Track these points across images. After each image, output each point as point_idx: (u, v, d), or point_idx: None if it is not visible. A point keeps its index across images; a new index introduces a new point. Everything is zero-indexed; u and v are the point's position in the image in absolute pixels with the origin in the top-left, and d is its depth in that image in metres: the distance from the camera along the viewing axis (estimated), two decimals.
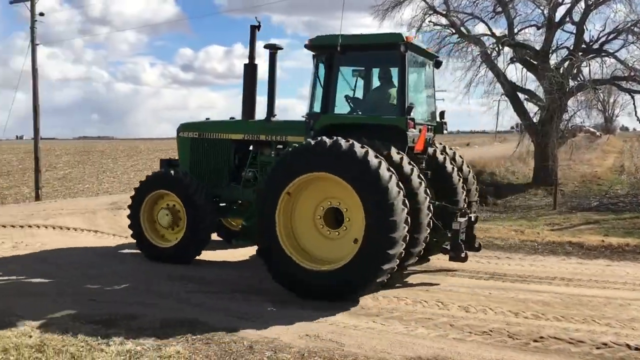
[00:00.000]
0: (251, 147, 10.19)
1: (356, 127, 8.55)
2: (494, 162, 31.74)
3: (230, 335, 6.32)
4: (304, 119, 9.11)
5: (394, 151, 8.08)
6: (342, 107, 9.21)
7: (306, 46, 9.09)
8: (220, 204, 10.36)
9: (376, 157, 7.56)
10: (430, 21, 27.65)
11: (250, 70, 10.34)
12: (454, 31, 27.56)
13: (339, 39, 8.48)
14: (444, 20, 27.66)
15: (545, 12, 26.37)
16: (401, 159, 8.06)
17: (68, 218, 13.91)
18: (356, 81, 9.61)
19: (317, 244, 8.01)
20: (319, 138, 7.82)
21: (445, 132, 9.84)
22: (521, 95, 27.55)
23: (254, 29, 10.22)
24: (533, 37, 27.84)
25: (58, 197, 28.03)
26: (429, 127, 9.42)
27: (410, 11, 29.20)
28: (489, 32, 27.73)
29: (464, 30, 27.45)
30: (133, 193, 10.26)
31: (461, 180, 9.87)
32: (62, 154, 54.04)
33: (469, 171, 10.53)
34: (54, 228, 12.86)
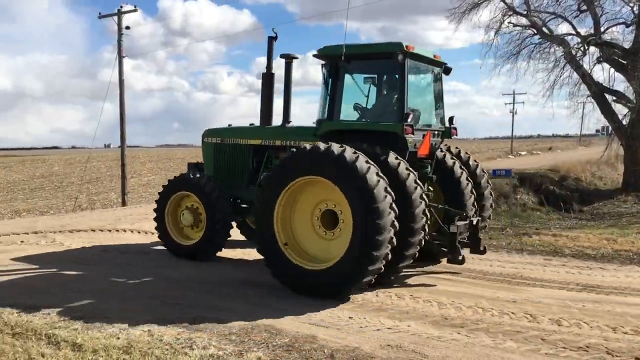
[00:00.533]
0: (266, 152, 10.50)
1: (360, 133, 8.90)
2: (579, 167, 30.23)
3: (310, 342, 6.24)
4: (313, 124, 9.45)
5: (379, 150, 8.37)
6: (352, 114, 9.54)
7: (315, 56, 9.42)
8: (242, 205, 10.87)
9: (354, 153, 7.84)
10: (509, 22, 26.75)
11: (267, 79, 10.71)
12: (535, 32, 26.51)
13: (343, 49, 8.81)
14: (524, 21, 26.66)
15: (635, 9, 24.92)
16: (393, 158, 8.36)
17: (153, 223, 14.35)
18: (369, 88, 9.81)
19: (315, 244, 8.40)
20: (302, 145, 8.37)
21: (454, 137, 9.92)
22: (609, 97, 26.12)
23: (271, 40, 10.54)
24: (621, 35, 26.37)
25: (143, 202, 29.15)
26: (436, 132, 9.65)
27: (489, 13, 28.35)
28: (573, 32, 26.50)
29: (546, 31, 26.36)
30: (159, 195, 10.98)
31: (470, 184, 10.15)
32: (146, 161, 56.45)
33: (483, 175, 10.84)
34: (139, 232, 13.32)
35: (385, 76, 9.67)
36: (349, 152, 7.82)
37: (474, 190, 10.20)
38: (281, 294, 8.25)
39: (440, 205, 9.56)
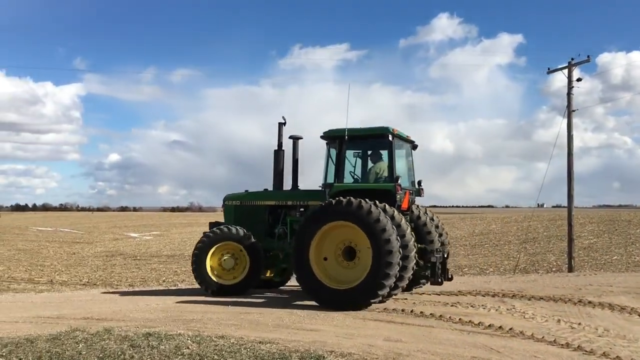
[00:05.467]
0: (280, 210, 13.32)
1: (359, 192, 11.47)
2: None
3: None
4: (320, 188, 12.59)
5: (388, 207, 11.18)
6: (347, 179, 12.27)
7: (322, 137, 12.32)
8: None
9: (376, 207, 10.77)
10: None
11: (278, 155, 13.59)
12: None
13: (346, 131, 11.68)
14: None
15: None
16: (393, 211, 11.18)
17: (623, 297, 11.97)
18: (356, 161, 12.60)
19: (338, 271, 11.17)
20: (339, 198, 11.03)
21: (421, 196, 12.99)
22: None
23: (281, 125, 13.51)
24: None
25: (585, 268, 26.33)
26: (411, 191, 12.50)
27: None
28: None
29: None
30: (200, 244, 13.09)
31: (437, 231, 12.91)
32: (586, 223, 52.18)
33: (443, 228, 13.33)
34: (610, 308, 11.06)
35: (378, 150, 12.31)
36: (370, 205, 10.69)
37: (438, 237, 12.82)
38: None
39: (419, 245, 12.07)
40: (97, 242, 53.72)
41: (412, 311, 10.63)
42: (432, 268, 11.94)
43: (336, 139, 12.03)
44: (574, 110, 25.28)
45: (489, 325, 9.33)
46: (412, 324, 9.60)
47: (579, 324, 9.69)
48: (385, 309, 10.94)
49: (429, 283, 12.52)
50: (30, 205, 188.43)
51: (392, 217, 10.93)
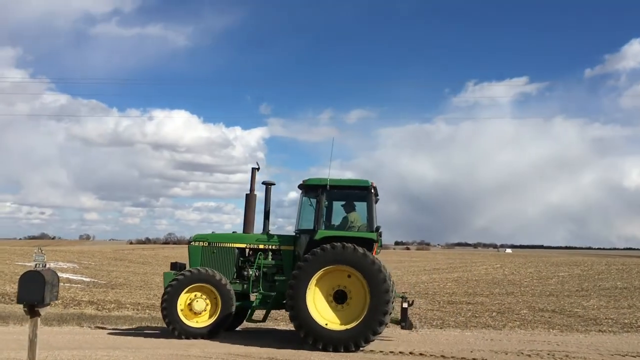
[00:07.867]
0: (251, 253, 13.61)
1: (341, 238, 12.02)
2: None
3: None
4: (294, 233, 13.44)
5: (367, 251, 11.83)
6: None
7: (299, 186, 13.26)
8: None
9: (370, 252, 11.80)
10: None
11: (250, 199, 13.95)
12: None
13: (328, 181, 12.59)
14: None
15: None
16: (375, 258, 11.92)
17: None
18: (322, 210, 12.91)
19: (330, 313, 11.81)
20: (333, 243, 11.76)
21: (381, 246, 13.27)
22: None
23: (254, 170, 14.13)
24: None
25: None
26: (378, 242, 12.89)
27: None
28: None
29: None
30: (169, 287, 12.74)
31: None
32: None
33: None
34: None
35: (354, 201, 13.17)
36: (364, 250, 11.67)
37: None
38: None
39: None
40: None
41: None
42: (403, 313, 12.77)
43: (317, 188, 12.71)
44: None
45: None
46: None
47: None
48: None
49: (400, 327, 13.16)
50: None
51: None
